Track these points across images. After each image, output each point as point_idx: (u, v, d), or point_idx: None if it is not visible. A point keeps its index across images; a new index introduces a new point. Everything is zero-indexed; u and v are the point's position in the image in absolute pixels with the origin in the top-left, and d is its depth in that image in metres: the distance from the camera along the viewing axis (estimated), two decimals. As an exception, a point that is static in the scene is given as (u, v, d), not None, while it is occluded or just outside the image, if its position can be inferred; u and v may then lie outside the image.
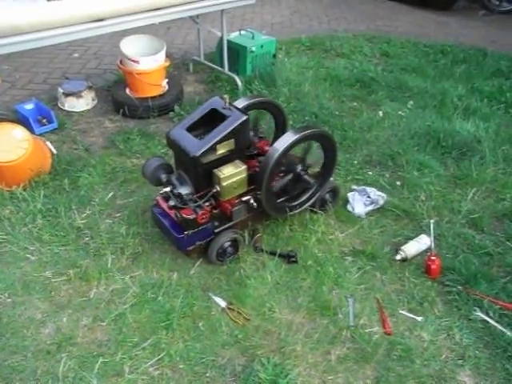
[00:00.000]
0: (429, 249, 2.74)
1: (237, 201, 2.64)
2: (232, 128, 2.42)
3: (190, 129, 2.53)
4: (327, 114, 4.21)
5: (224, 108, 2.51)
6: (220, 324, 2.36)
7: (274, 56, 5.09)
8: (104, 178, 3.44)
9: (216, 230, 2.65)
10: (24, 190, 3.20)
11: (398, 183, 3.38)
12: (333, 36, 6.28)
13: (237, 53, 4.86)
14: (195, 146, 2.39)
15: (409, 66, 5.28)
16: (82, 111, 4.40)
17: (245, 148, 2.59)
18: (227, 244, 2.67)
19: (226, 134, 2.41)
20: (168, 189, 2.52)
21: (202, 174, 2.46)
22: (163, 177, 2.59)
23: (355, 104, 4.51)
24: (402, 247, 2.75)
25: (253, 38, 4.92)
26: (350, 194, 3.17)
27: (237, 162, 2.52)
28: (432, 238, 2.74)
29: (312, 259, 2.73)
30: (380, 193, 3.17)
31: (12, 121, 3.56)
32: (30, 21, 3.12)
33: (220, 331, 2.33)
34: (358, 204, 3.11)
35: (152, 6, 3.59)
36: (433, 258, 2.60)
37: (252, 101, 2.89)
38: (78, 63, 5.50)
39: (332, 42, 6.02)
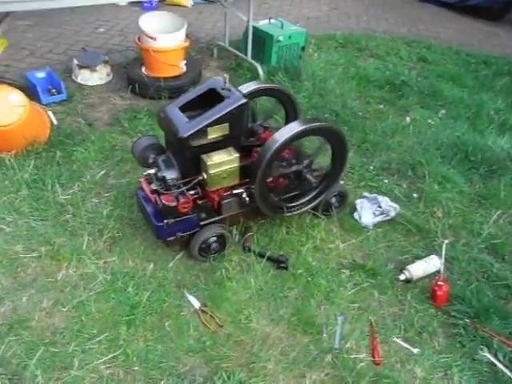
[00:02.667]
0: (438, 272, 2.41)
1: (227, 193, 2.39)
2: (227, 111, 2.16)
3: (184, 109, 2.29)
4: (349, 114, 3.90)
5: (223, 89, 2.26)
6: (188, 327, 2.11)
7: (303, 49, 4.80)
8: (100, 154, 3.25)
9: (202, 223, 2.40)
10: (15, 157, 3.03)
11: (415, 195, 3.05)
12: (370, 36, 5.93)
13: (263, 41, 4.61)
14: (184, 126, 2.15)
15: (447, 73, 4.89)
16: (95, 85, 4.24)
17: (241, 135, 2.33)
18: (212, 239, 2.42)
19: (220, 117, 2.16)
20: (152, 171, 2.29)
21: (189, 159, 2.22)
22: (151, 157, 2.36)
23: (381, 106, 4.18)
24: (408, 266, 2.44)
25: (282, 27, 4.65)
26: (358, 201, 2.87)
27: (230, 149, 2.26)
28: (443, 261, 2.42)
29: (304, 267, 2.45)
30: (393, 203, 2.85)
31: (20, 87, 3.41)
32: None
33: (187, 335, 2.09)
34: (366, 213, 2.80)
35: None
36: (440, 282, 2.28)
37: (259, 86, 2.63)
38: (101, 38, 5.37)
39: (368, 41, 5.68)
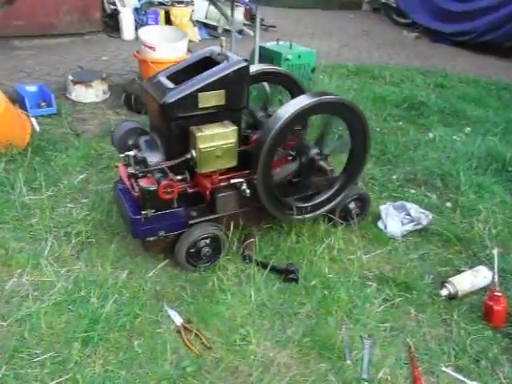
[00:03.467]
0: (490, 285, 1.87)
1: (223, 182, 1.93)
2: (223, 74, 1.77)
3: (175, 80, 1.89)
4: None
5: (219, 55, 1.88)
6: (165, 348, 1.58)
7: (313, 70, 4.51)
8: (83, 161, 2.85)
9: (191, 222, 1.93)
10: (-16, 160, 2.65)
11: (449, 204, 2.56)
12: (382, 66, 5.70)
13: (271, 60, 4.33)
14: (170, 92, 1.75)
15: (468, 95, 4.55)
16: (90, 102, 3.93)
17: (241, 109, 1.91)
18: (203, 242, 1.94)
19: (214, 82, 1.76)
20: (132, 153, 1.86)
21: (176, 135, 1.80)
22: (131, 140, 1.94)
23: (400, 123, 3.80)
24: (451, 279, 1.91)
25: (290, 47, 4.40)
26: (382, 208, 2.39)
27: (226, 122, 1.83)
28: (496, 269, 1.88)
29: (319, 279, 1.93)
30: (424, 210, 2.37)
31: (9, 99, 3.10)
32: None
33: (162, 358, 1.56)
34: (393, 221, 2.31)
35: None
36: (497, 293, 1.74)
37: (262, 68, 2.26)
38: (103, 64, 5.17)
39: (381, 71, 5.42)
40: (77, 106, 3.85)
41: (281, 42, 4.54)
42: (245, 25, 6.90)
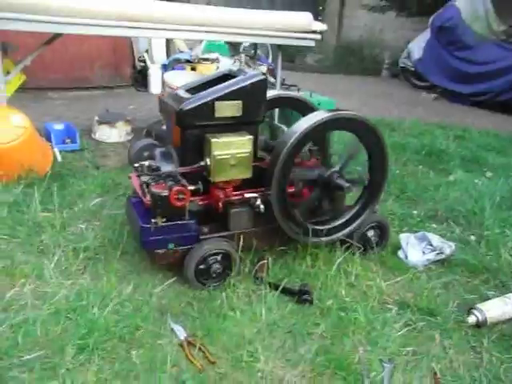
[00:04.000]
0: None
1: (237, 196, 1.89)
2: (241, 85, 1.79)
3: (193, 93, 1.91)
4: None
5: (238, 70, 1.91)
6: (165, 360, 1.46)
7: (332, 119, 4.58)
8: (100, 188, 2.86)
9: (202, 237, 1.87)
10: (5, 182, 2.69)
11: (473, 238, 2.44)
12: (402, 121, 5.75)
13: (290, 107, 4.43)
14: (187, 100, 1.76)
15: (488, 145, 4.52)
16: (113, 142, 4.03)
17: (258, 122, 1.90)
18: (214, 258, 1.86)
19: (231, 92, 1.78)
20: (146, 162, 1.85)
21: (191, 143, 1.79)
22: (146, 153, 1.95)
23: (420, 167, 3.75)
24: (479, 305, 1.76)
25: (310, 95, 4.50)
26: (403, 236, 2.29)
27: (242, 132, 1.82)
28: (529, 296, 1.73)
29: (335, 301, 1.80)
30: (446, 241, 2.25)
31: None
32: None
33: (161, 371, 1.43)
34: (414, 250, 2.20)
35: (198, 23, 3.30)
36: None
37: (279, 94, 2.33)
38: (130, 111, 5.37)
39: (400, 124, 5.48)
40: (100, 145, 3.95)
41: (301, 92, 4.66)
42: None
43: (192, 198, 1.81)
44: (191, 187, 1.78)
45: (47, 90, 5.98)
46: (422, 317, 1.74)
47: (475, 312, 1.74)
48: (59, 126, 3.91)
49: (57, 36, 3.22)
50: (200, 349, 1.53)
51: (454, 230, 2.59)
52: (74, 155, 3.56)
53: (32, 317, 1.61)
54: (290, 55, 10.98)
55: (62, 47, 5.55)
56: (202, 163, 1.76)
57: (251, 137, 1.79)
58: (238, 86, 1.78)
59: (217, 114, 1.77)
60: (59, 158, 3.24)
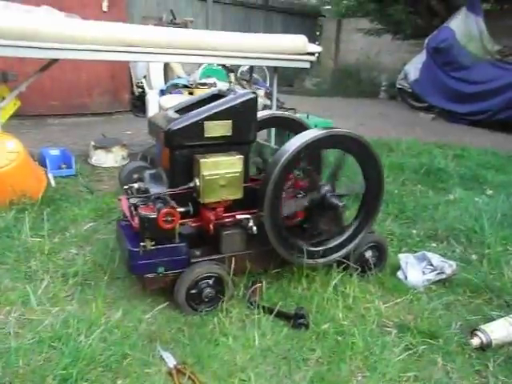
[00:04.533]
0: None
1: (228, 218, 1.84)
2: (230, 105, 1.76)
3: (182, 114, 1.89)
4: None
5: (228, 90, 1.90)
6: (153, 389, 1.39)
7: (329, 140, 4.56)
8: (93, 213, 2.81)
9: (194, 260, 1.82)
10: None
11: (474, 257, 2.37)
12: (400, 141, 5.74)
13: (287, 129, 4.42)
14: (176, 120, 1.74)
15: (488, 163, 4.48)
16: (109, 167, 4.02)
17: (249, 142, 1.87)
18: (205, 283, 1.80)
19: (221, 111, 1.75)
20: (135, 185, 1.81)
21: (180, 163, 1.75)
22: (136, 175, 1.91)
23: (419, 186, 3.70)
24: (483, 327, 1.68)
25: (307, 117, 4.51)
26: (402, 257, 2.22)
27: (232, 152, 1.79)
28: (535, 316, 1.66)
29: (331, 324, 1.73)
30: (447, 260, 2.18)
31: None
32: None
33: (148, 401, 1.35)
34: (414, 270, 2.13)
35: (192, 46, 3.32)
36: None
37: (272, 114, 2.29)
38: (127, 136, 5.38)
39: (398, 144, 5.45)
40: (96, 170, 3.93)
41: (298, 114, 4.67)
42: (265, 106, 7.22)
43: (183, 221, 1.77)
44: (181, 209, 1.74)
45: (46, 116, 6.03)
46: (423, 340, 1.66)
47: (479, 334, 1.66)
48: (55, 152, 3.90)
49: (52, 62, 3.24)
50: (190, 377, 1.45)
51: (455, 249, 2.52)
52: (68, 180, 3.54)
53: (14, 346, 1.54)
54: (288, 79, 11.13)
55: (61, 75, 5.62)
56: (192, 184, 1.72)
57: (241, 156, 1.76)
58: (228, 106, 1.75)
59: (206, 134, 1.74)
60: (53, 183, 3.21)
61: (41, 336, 1.60)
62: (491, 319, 1.79)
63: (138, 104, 6.76)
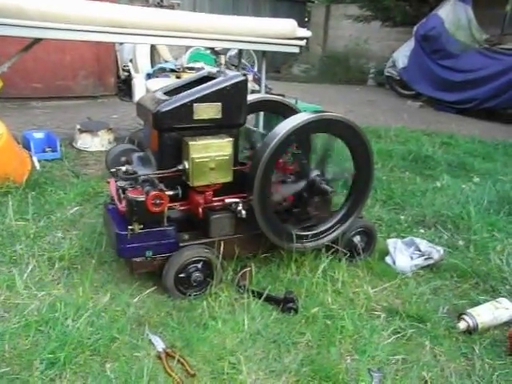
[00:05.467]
0: (514, 319, 1.66)
1: (217, 202, 1.82)
2: (220, 87, 1.73)
3: (171, 96, 1.85)
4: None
5: (218, 72, 1.86)
6: (141, 373, 1.38)
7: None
8: (80, 197, 2.76)
9: (182, 244, 1.80)
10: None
11: (461, 243, 2.39)
12: (388, 128, 5.74)
13: (275, 113, 4.39)
14: (164, 102, 1.70)
15: (475, 151, 4.53)
16: (95, 151, 3.94)
17: (238, 125, 1.84)
18: (194, 266, 1.78)
19: (210, 93, 1.72)
20: (123, 167, 1.78)
21: (168, 146, 1.72)
22: (123, 158, 1.87)
23: (407, 173, 3.72)
24: (470, 311, 1.71)
25: (296, 102, 4.47)
26: (390, 242, 2.23)
27: (222, 134, 1.76)
28: (520, 299, 1.68)
29: (320, 308, 1.73)
30: (435, 246, 2.20)
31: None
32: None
33: (137, 384, 1.34)
34: (402, 255, 2.14)
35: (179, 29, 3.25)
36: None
37: (262, 97, 2.26)
38: (113, 121, 5.29)
39: (387, 132, 5.46)
40: (81, 154, 3.86)
41: (286, 98, 4.63)
42: (253, 91, 7.16)
43: (171, 204, 1.74)
44: (169, 192, 1.71)
45: (30, 99, 5.89)
46: (411, 324, 1.68)
47: (466, 317, 1.68)
48: (39, 135, 3.82)
49: (36, 42, 3.14)
50: (179, 361, 1.44)
51: (442, 235, 2.55)
52: (53, 164, 3.47)
53: (0, 331, 1.51)
54: (275, 65, 11.03)
55: (45, 55, 5.48)
56: (181, 167, 1.69)
57: (231, 139, 1.73)
58: (218, 88, 1.72)
59: (195, 117, 1.70)
60: (38, 167, 3.14)
61: (27, 320, 1.57)
62: (477, 303, 1.82)
63: (124, 88, 6.64)
